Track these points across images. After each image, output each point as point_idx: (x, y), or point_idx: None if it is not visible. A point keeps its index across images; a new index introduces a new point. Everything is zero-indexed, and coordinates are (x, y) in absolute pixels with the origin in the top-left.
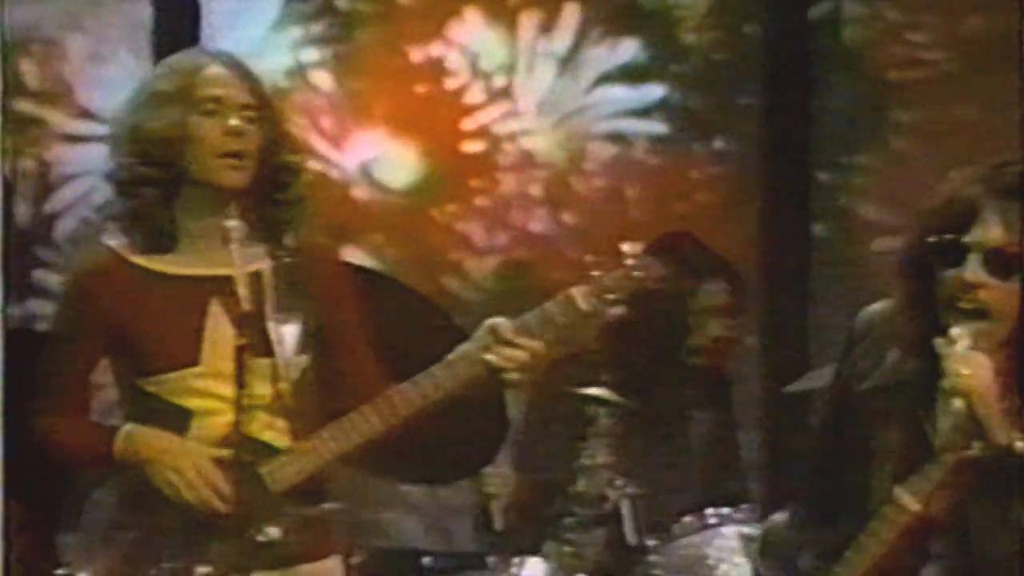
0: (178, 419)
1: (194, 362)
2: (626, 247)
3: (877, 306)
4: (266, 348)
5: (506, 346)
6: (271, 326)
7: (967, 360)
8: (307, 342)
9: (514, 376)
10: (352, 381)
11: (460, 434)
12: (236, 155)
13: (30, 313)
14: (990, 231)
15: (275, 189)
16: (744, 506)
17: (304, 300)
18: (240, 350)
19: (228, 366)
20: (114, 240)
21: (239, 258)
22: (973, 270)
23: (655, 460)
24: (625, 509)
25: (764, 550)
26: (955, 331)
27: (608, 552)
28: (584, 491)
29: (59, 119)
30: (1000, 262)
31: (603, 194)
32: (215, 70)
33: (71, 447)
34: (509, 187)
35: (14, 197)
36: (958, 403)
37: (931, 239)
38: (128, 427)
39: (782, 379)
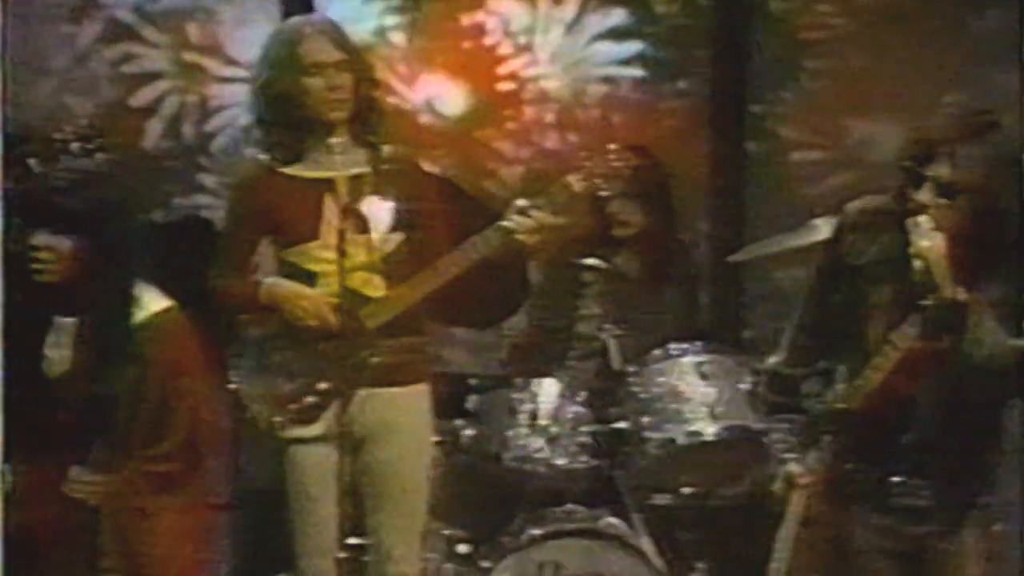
0: (308, 279)
1: (315, 238)
2: (610, 145)
3: (865, 200)
4: (365, 228)
5: (520, 215)
6: (369, 213)
7: (927, 235)
8: (400, 223)
9: (523, 237)
10: (431, 250)
11: (496, 293)
12: (337, 100)
13: (196, 204)
14: (942, 169)
15: (367, 114)
16: (697, 343)
17: (396, 193)
18: (341, 232)
19: (336, 240)
20: (262, 156)
21: (340, 165)
22: (925, 195)
23: (634, 310)
24: (612, 345)
25: (772, 383)
26: (920, 218)
27: (599, 375)
28: (582, 333)
29: (214, 66)
30: (946, 190)
31: (598, 121)
32: (313, 39)
33: (235, 296)
34: (531, 116)
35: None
36: (918, 263)
37: (905, 164)
38: (270, 280)
39: (725, 252)
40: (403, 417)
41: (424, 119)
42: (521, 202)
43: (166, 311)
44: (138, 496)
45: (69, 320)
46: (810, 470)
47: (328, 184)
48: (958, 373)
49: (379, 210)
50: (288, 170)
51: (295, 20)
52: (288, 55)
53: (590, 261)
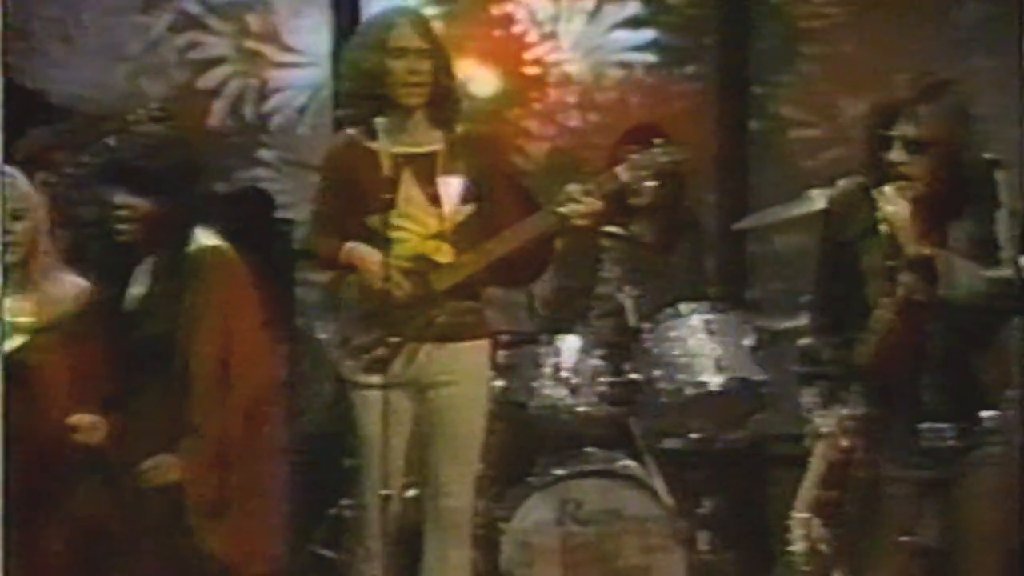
0: (386, 243)
1: (393, 207)
2: (655, 140)
3: (843, 182)
4: (438, 201)
5: (574, 203)
6: (441, 187)
7: (891, 201)
8: (471, 196)
9: (577, 221)
10: (495, 223)
11: (526, 257)
12: (415, 84)
13: (255, 176)
14: (907, 127)
15: (443, 102)
16: (705, 302)
17: (469, 169)
18: (388, 202)
19: (412, 211)
20: (351, 130)
21: (418, 142)
22: (896, 154)
23: (648, 273)
24: (628, 305)
25: (802, 358)
26: (886, 187)
27: (617, 332)
28: (601, 293)
29: (272, 52)
30: (913, 146)
31: (615, 102)
32: (400, 26)
33: (321, 256)
34: (555, 97)
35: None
36: (884, 227)
37: (874, 129)
38: (349, 244)
39: (730, 220)
40: (464, 369)
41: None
42: (574, 188)
43: (216, 247)
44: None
45: (148, 262)
46: (835, 423)
47: (406, 159)
48: (947, 315)
49: (451, 185)
50: (372, 144)
51: (391, 8)
52: (378, 38)
53: (609, 228)
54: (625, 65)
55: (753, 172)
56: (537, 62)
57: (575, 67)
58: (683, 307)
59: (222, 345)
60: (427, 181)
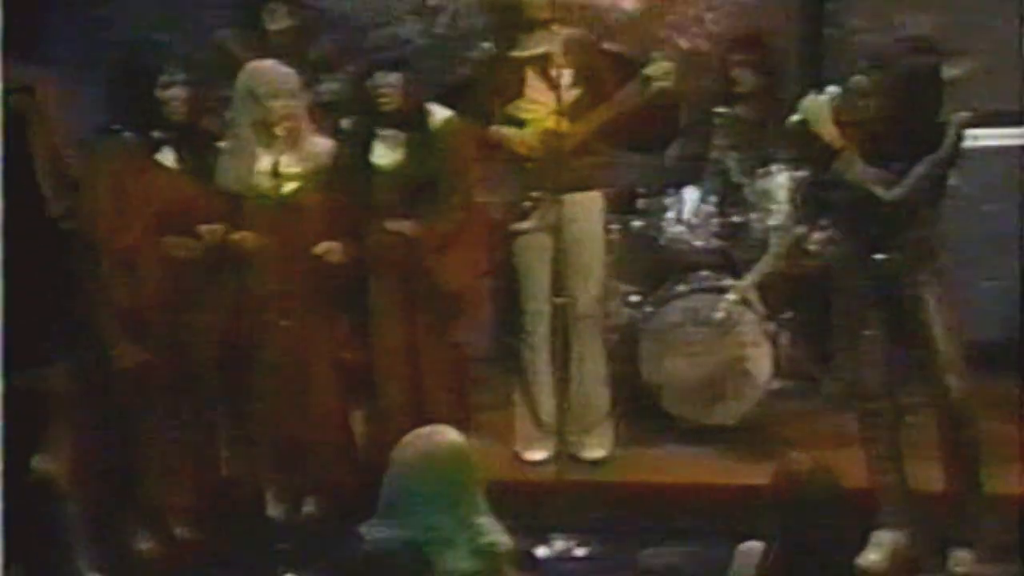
0: (520, 124)
1: (521, 96)
2: (756, 45)
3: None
4: (556, 87)
5: (652, 64)
6: (556, 78)
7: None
8: (578, 82)
9: (659, 83)
10: (599, 99)
11: (657, 129)
12: (547, 4)
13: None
14: (874, 71)
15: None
16: (787, 163)
17: (576, 63)
18: (516, 94)
19: (537, 96)
20: (484, 44)
21: (537, 46)
22: (857, 79)
23: (747, 143)
24: (733, 166)
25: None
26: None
27: (724, 186)
28: (713, 157)
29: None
30: (870, 87)
31: (727, 16)
32: None
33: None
34: (682, 11)
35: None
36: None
37: (862, 68)
38: (493, 127)
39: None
40: (586, 212)
41: (612, 15)
42: (654, 57)
43: (451, 119)
44: (438, 236)
45: (397, 133)
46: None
47: (529, 60)
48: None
49: (562, 75)
50: (503, 52)
51: None
52: None
53: (719, 109)
54: None
55: (826, 69)
56: None
57: None
58: (773, 168)
59: (465, 183)
60: (545, 74)
